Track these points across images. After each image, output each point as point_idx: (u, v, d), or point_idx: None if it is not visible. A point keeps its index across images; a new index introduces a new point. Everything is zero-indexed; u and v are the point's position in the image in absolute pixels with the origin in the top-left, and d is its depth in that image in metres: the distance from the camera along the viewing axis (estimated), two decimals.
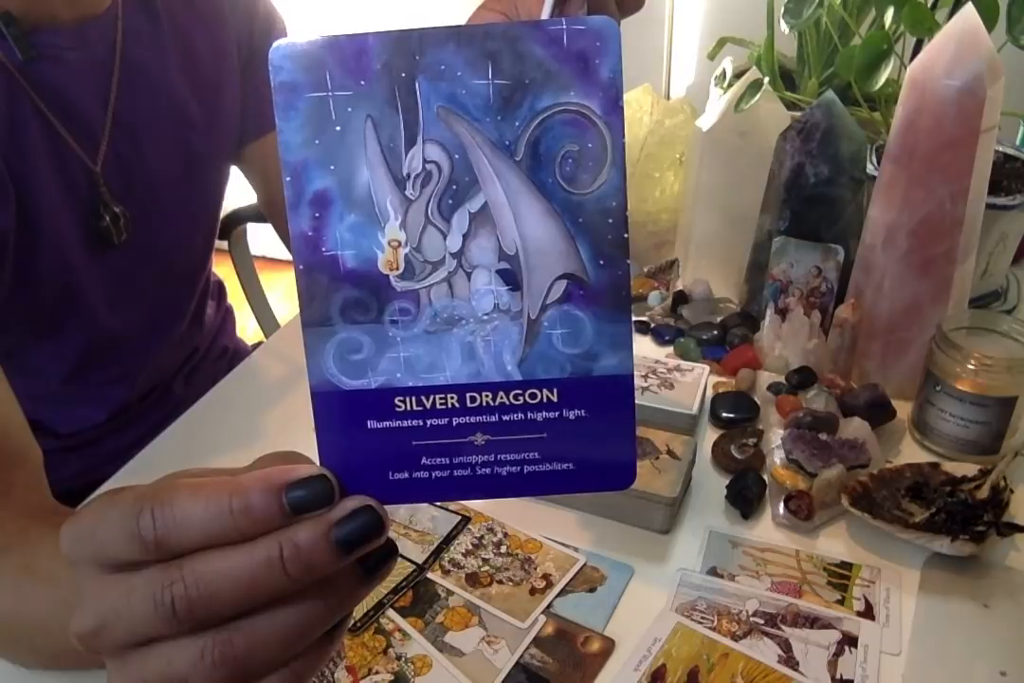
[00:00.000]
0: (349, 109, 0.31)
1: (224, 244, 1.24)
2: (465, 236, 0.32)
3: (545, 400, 0.33)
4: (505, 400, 0.33)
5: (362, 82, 0.31)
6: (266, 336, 1.26)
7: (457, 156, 0.31)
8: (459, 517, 0.73)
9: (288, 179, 0.31)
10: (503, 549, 0.70)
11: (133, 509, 0.31)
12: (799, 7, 0.90)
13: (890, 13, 0.87)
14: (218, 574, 0.30)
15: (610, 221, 0.32)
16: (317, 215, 0.31)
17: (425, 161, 0.31)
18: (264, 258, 1.73)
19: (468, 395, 0.33)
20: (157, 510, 0.30)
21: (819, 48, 1.04)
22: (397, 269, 0.32)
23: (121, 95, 0.82)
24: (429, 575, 0.68)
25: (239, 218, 1.26)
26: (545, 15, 0.51)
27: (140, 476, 0.70)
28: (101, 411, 0.94)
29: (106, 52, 0.80)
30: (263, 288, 1.34)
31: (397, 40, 0.31)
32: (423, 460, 0.33)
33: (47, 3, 0.75)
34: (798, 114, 0.89)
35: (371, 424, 0.33)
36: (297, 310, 0.33)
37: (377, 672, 0.61)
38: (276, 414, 0.87)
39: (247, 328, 1.46)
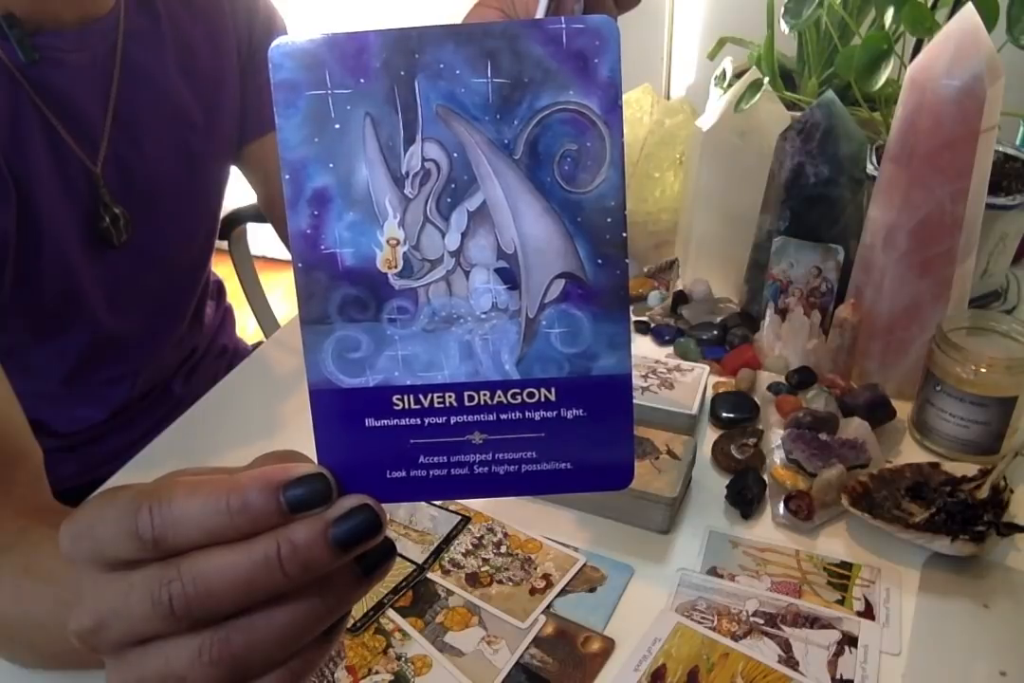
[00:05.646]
0: (348, 107, 0.31)
1: (224, 244, 1.24)
2: (464, 235, 0.32)
3: (543, 399, 0.33)
4: (503, 399, 0.33)
5: (361, 80, 0.31)
6: (266, 336, 1.26)
7: (456, 155, 0.31)
8: (459, 517, 0.73)
9: (287, 177, 0.31)
10: (503, 549, 0.70)
11: (131, 507, 0.31)
12: (799, 7, 0.90)
13: (890, 13, 0.87)
14: (216, 572, 0.30)
15: (609, 220, 0.32)
16: (316, 213, 0.31)
17: (424, 159, 0.31)
18: (264, 258, 1.73)
19: (466, 394, 0.33)
20: (155, 508, 0.30)
21: (819, 48, 1.04)
22: (395, 267, 0.32)
23: (121, 96, 0.82)
24: (429, 575, 0.68)
25: (239, 218, 1.26)
26: (541, 11, 0.50)
27: (140, 476, 0.70)
28: (101, 411, 0.94)
29: (107, 54, 0.80)
30: (263, 288, 1.34)
31: (396, 39, 0.31)
32: (421, 459, 0.33)
33: (50, 5, 0.75)
34: (798, 114, 0.89)
35: (369, 422, 0.33)
36: (297, 309, 0.32)
37: (377, 672, 0.61)
38: (276, 414, 0.87)
39: (247, 328, 1.46)
